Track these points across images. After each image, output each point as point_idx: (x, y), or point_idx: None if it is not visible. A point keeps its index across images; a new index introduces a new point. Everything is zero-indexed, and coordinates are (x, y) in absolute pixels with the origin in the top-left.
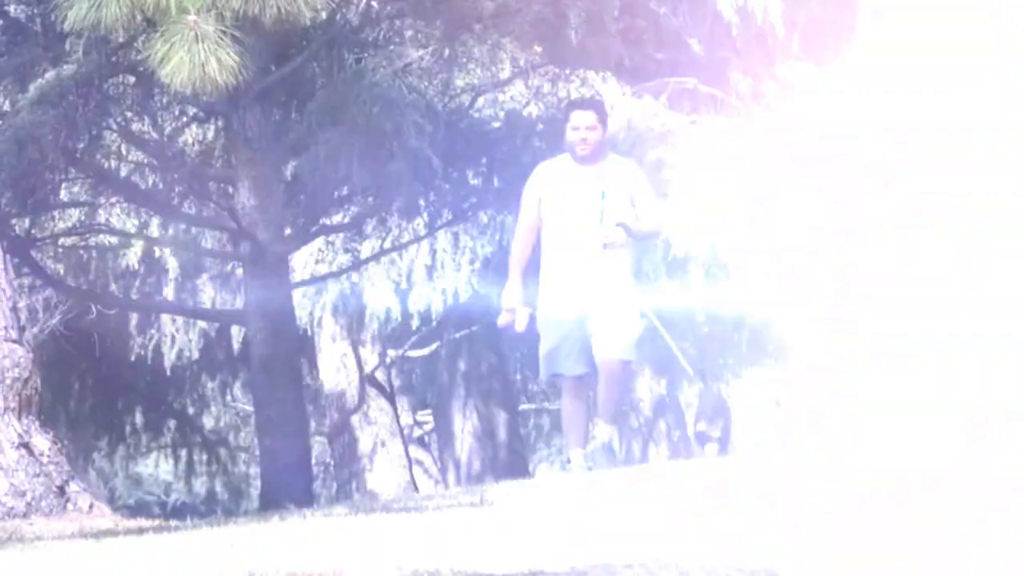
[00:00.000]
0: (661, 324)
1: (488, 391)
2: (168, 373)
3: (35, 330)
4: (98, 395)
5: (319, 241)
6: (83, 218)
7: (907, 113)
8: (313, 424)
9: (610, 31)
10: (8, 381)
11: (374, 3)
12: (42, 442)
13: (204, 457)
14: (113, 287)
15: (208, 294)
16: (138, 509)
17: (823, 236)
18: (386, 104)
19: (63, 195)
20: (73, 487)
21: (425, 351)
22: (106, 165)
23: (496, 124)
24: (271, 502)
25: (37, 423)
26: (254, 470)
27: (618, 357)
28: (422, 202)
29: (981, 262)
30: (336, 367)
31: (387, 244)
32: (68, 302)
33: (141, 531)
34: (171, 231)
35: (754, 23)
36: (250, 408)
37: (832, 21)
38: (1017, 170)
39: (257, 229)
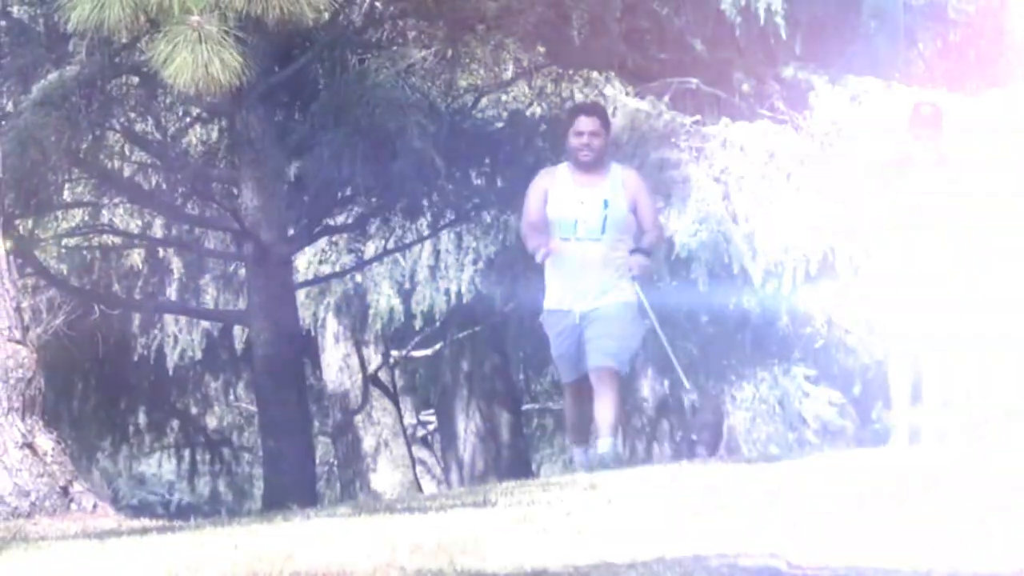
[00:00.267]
0: (662, 328)
1: (491, 391)
2: (171, 373)
3: (39, 330)
4: (101, 395)
5: (322, 241)
6: (87, 218)
7: None
8: (316, 424)
9: (613, 32)
10: (12, 381)
11: (377, 4)
12: (46, 442)
13: (207, 457)
14: (116, 287)
15: (211, 294)
16: (142, 509)
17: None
18: (389, 104)
19: (66, 196)
20: (77, 487)
21: (428, 351)
22: (109, 166)
23: (499, 124)
24: (274, 502)
25: (41, 423)
26: (257, 470)
27: (607, 365)
28: (425, 202)
29: (981, 262)
30: (339, 367)
31: (390, 244)
32: (71, 302)
33: (145, 531)
34: (174, 231)
35: (757, 23)
36: (253, 408)
37: (834, 21)
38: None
39: (260, 229)
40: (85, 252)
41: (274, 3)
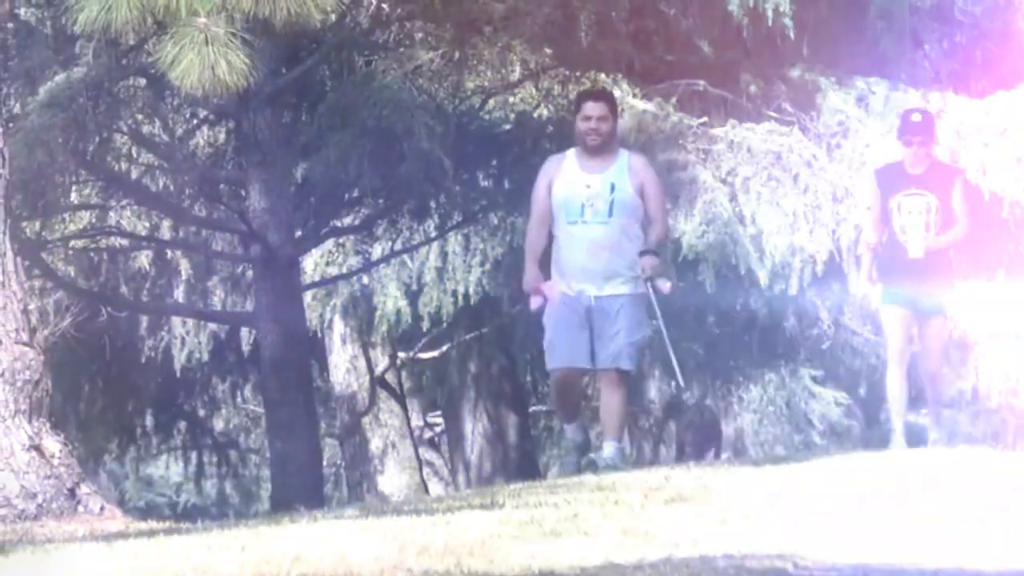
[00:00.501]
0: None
1: (498, 393)
2: (178, 375)
3: (46, 332)
4: (109, 397)
5: (330, 243)
6: (94, 220)
7: None
8: (323, 426)
9: (620, 33)
10: (19, 383)
11: (384, 5)
12: (53, 444)
13: (215, 459)
14: (123, 289)
15: (218, 296)
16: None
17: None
18: (396, 106)
19: (74, 197)
20: (84, 489)
21: (435, 353)
22: (117, 167)
23: (506, 126)
24: (282, 504)
25: (48, 425)
26: (264, 472)
27: (621, 367)
28: (432, 204)
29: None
30: (346, 369)
31: (397, 246)
32: (79, 304)
33: (152, 533)
34: (182, 233)
35: (764, 25)
36: (260, 410)
37: (841, 23)
38: None
39: (268, 231)
40: (92, 254)
41: (281, 4)
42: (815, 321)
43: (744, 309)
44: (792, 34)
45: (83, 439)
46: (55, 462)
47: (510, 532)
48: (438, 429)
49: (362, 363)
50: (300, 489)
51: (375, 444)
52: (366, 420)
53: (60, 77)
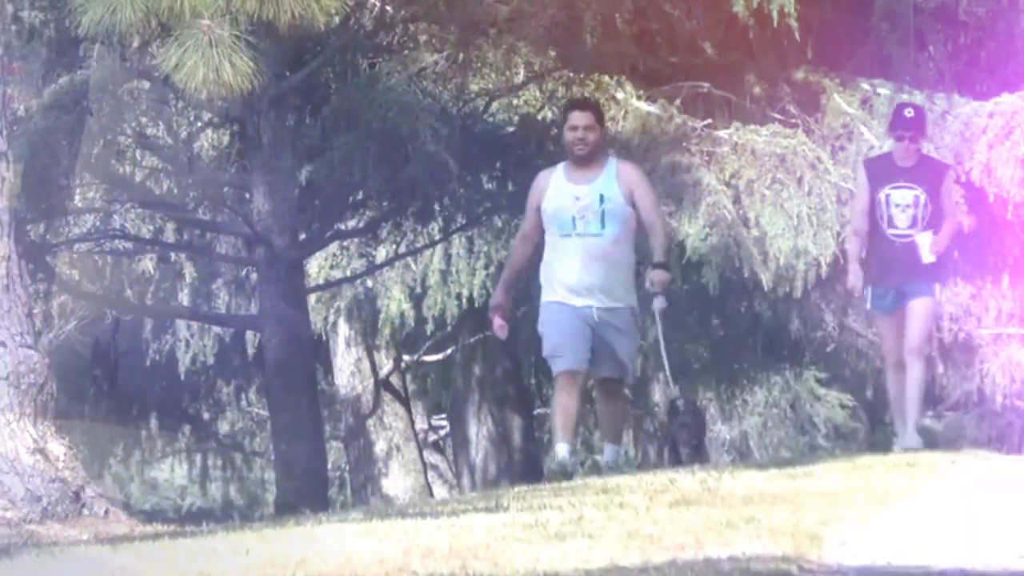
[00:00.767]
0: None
1: (503, 395)
2: (183, 378)
3: (50, 336)
4: (113, 400)
5: (334, 246)
6: (98, 224)
7: None
8: (328, 429)
9: (624, 35)
10: (23, 387)
11: (388, 8)
12: (57, 447)
13: (219, 462)
14: (128, 293)
15: (223, 299)
16: (154, 514)
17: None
18: (400, 109)
19: (78, 201)
20: (89, 492)
21: (440, 356)
22: (121, 170)
23: (510, 129)
24: (286, 507)
25: (53, 428)
26: (269, 475)
27: (620, 377)
28: (436, 207)
29: None
30: (351, 372)
31: (402, 249)
32: (83, 308)
33: (157, 536)
34: (186, 236)
35: (769, 26)
36: (265, 413)
37: (845, 24)
38: None
39: (272, 234)
40: (97, 257)
41: (285, 7)
42: (819, 323)
43: (748, 312)
44: (797, 36)
45: (88, 442)
46: (60, 465)
47: (515, 535)
48: (442, 432)
49: (366, 366)
50: (304, 492)
51: (379, 447)
52: (370, 423)
53: (64, 79)
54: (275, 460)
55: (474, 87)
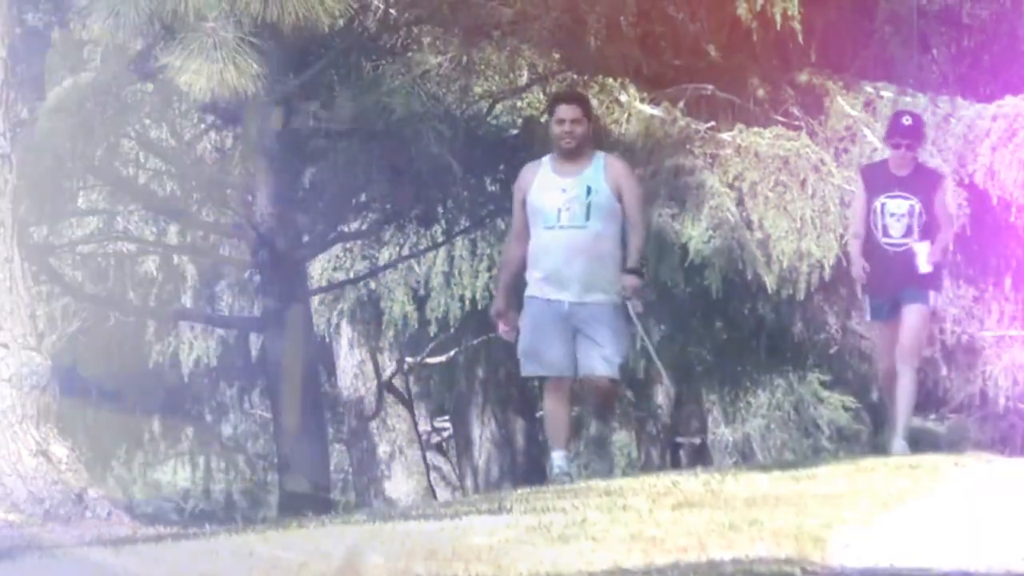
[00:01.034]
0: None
1: (506, 398)
2: (186, 380)
3: (53, 338)
4: (116, 402)
5: (337, 248)
6: (101, 226)
7: None
8: (331, 431)
9: (627, 37)
10: (26, 389)
11: (392, 10)
12: (60, 449)
13: (222, 464)
14: (131, 295)
15: (226, 301)
16: (156, 516)
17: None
18: (404, 111)
19: (81, 203)
20: (91, 494)
21: (443, 358)
22: (124, 173)
23: (514, 131)
24: (289, 509)
25: (55, 430)
26: (272, 477)
27: (605, 374)
28: (440, 209)
29: None
30: (354, 374)
31: (405, 251)
32: (86, 310)
33: (159, 538)
34: (189, 238)
35: (773, 29)
36: (268, 415)
37: (849, 27)
38: None
39: (275, 236)
40: (100, 259)
41: (289, 9)
42: (823, 326)
43: (751, 314)
44: (800, 39)
45: (90, 444)
46: (62, 467)
47: (518, 537)
48: (445, 434)
49: (369, 368)
50: (308, 494)
51: (382, 449)
52: (373, 425)
53: (68, 82)
54: (278, 462)
55: (478, 89)
